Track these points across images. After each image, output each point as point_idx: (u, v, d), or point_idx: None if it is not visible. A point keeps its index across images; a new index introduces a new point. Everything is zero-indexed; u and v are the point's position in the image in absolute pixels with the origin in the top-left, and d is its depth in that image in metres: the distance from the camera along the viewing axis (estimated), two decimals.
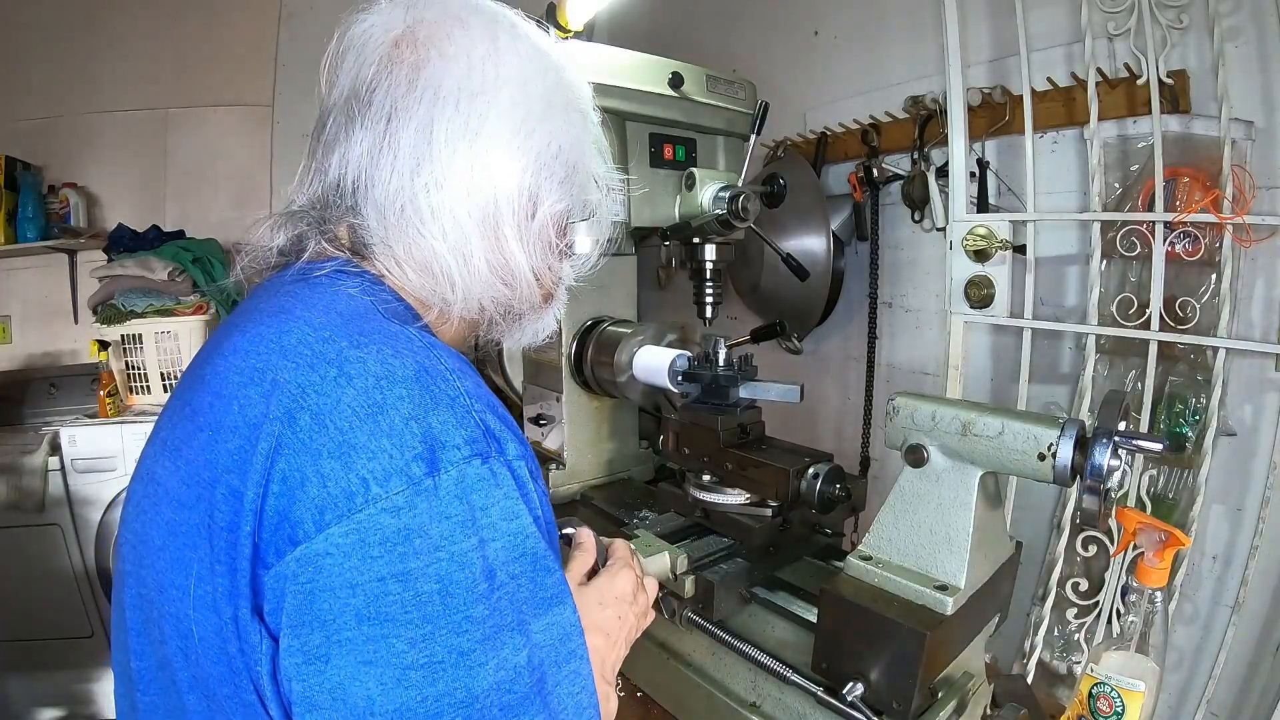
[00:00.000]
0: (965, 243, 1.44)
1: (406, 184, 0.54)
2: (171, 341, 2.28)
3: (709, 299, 1.24)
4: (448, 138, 0.54)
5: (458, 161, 0.54)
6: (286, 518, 0.41)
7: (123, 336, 2.26)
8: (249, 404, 0.44)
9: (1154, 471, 1.33)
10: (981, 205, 1.58)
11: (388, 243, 0.55)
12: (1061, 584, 1.40)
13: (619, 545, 0.71)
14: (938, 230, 1.70)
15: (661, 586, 0.90)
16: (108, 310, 2.25)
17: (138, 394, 2.30)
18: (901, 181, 1.78)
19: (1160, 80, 1.24)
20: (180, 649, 0.45)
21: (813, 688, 0.75)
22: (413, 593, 0.40)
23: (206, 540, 0.43)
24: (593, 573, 0.76)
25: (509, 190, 0.57)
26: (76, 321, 2.56)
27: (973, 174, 1.55)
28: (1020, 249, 1.45)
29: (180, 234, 2.49)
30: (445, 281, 0.56)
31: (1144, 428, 1.29)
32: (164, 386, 2.30)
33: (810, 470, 0.91)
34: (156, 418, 0.61)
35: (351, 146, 0.55)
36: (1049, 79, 1.44)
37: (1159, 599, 0.68)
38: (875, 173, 1.82)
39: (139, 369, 2.28)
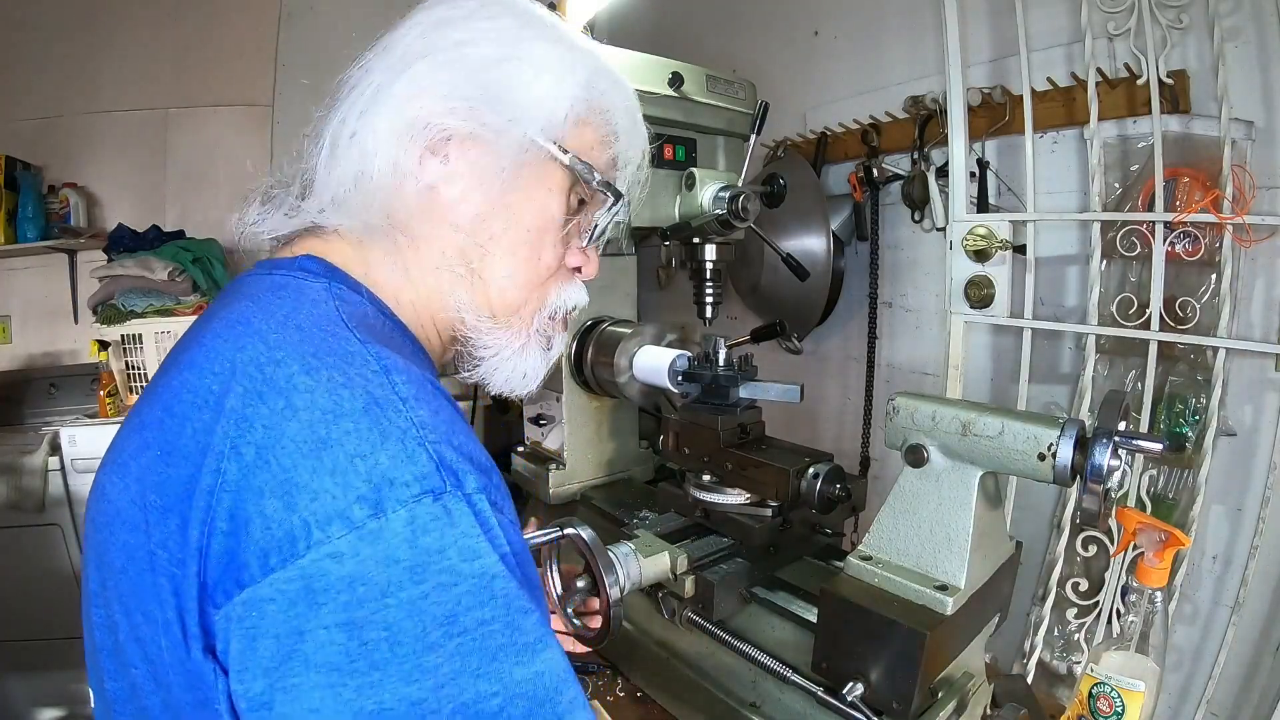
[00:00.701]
0: (965, 243, 1.44)
1: (343, 127, 0.53)
2: (171, 341, 2.26)
3: (709, 299, 1.24)
4: (382, 80, 0.53)
5: (380, 92, 0.53)
6: (234, 558, 0.39)
7: (123, 336, 2.26)
8: (200, 427, 0.42)
9: (1154, 471, 1.33)
10: (981, 205, 1.58)
11: (330, 178, 0.54)
12: (1061, 584, 1.40)
13: None
14: (938, 230, 1.70)
15: (662, 586, 0.90)
16: (108, 310, 2.25)
17: (137, 394, 2.30)
18: (901, 181, 1.78)
19: (1160, 80, 1.24)
20: (149, 674, 0.44)
21: (813, 688, 0.75)
22: (359, 641, 0.37)
23: (159, 569, 0.42)
24: (588, 572, 0.76)
25: (431, 109, 0.53)
26: (76, 321, 2.56)
27: (973, 174, 1.55)
28: (1020, 249, 1.45)
29: (180, 234, 2.49)
30: (354, 189, 0.53)
31: (1144, 428, 1.29)
32: None
33: (810, 470, 0.91)
34: None
35: (332, 118, 0.55)
36: (1049, 79, 1.44)
37: (1159, 599, 0.68)
38: (875, 173, 1.82)
39: (139, 369, 2.28)
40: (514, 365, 0.61)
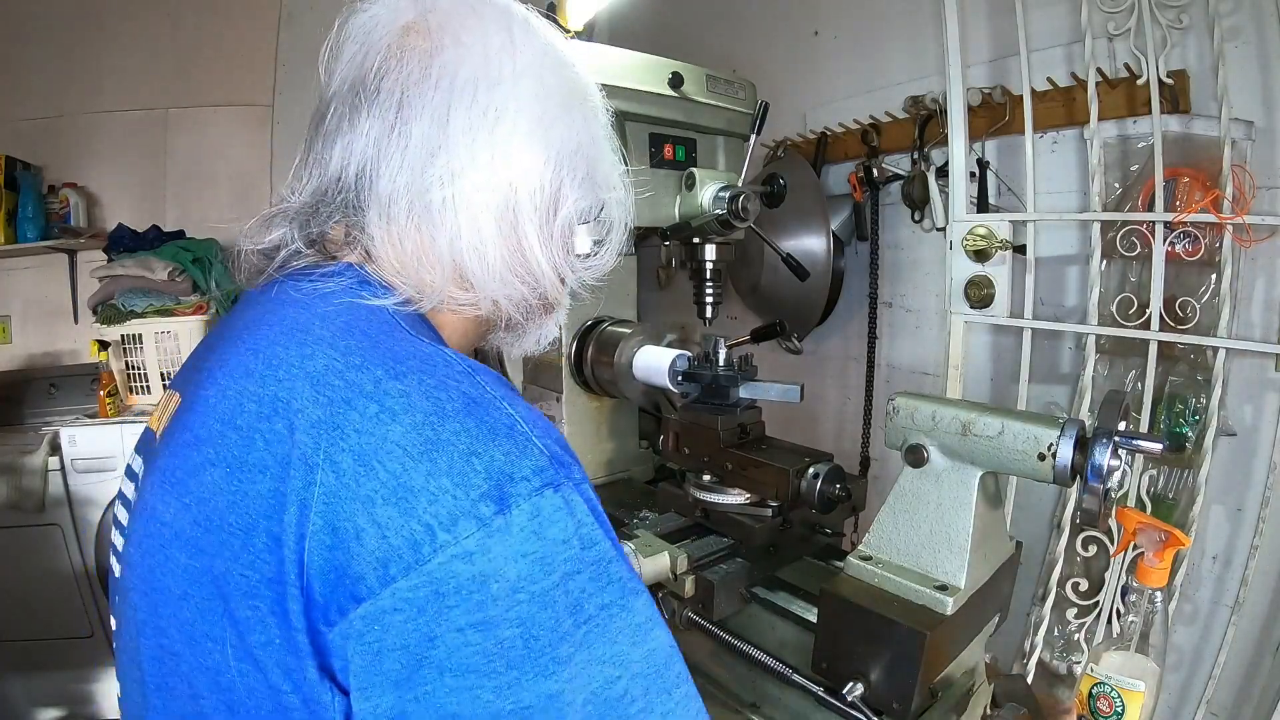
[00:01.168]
0: (965, 243, 1.44)
1: (418, 176, 0.50)
2: (171, 341, 2.28)
3: (709, 299, 1.24)
4: (466, 126, 0.50)
5: (477, 151, 0.50)
6: (345, 573, 0.37)
7: (123, 336, 2.26)
8: (274, 439, 0.40)
9: (1154, 471, 1.33)
10: (981, 205, 1.58)
11: (390, 238, 0.51)
12: (1061, 584, 1.40)
13: None
14: (938, 230, 1.70)
15: (662, 586, 0.90)
16: (108, 310, 2.25)
17: (138, 394, 2.30)
18: (901, 181, 1.78)
19: (1160, 80, 1.24)
20: (223, 703, 0.41)
21: (813, 688, 0.75)
22: (495, 640, 0.37)
23: (248, 592, 0.39)
24: None
25: (530, 185, 0.53)
26: (76, 321, 2.56)
27: (973, 174, 1.55)
28: (1020, 249, 1.45)
29: (180, 234, 2.49)
30: (457, 280, 0.52)
31: (1144, 428, 1.29)
32: (164, 386, 2.30)
33: (810, 470, 0.91)
34: (144, 431, 0.56)
35: (356, 137, 0.51)
36: (1049, 79, 1.44)
37: (1159, 599, 0.68)
38: (875, 173, 1.82)
39: (139, 369, 2.28)
40: (542, 334, 0.64)
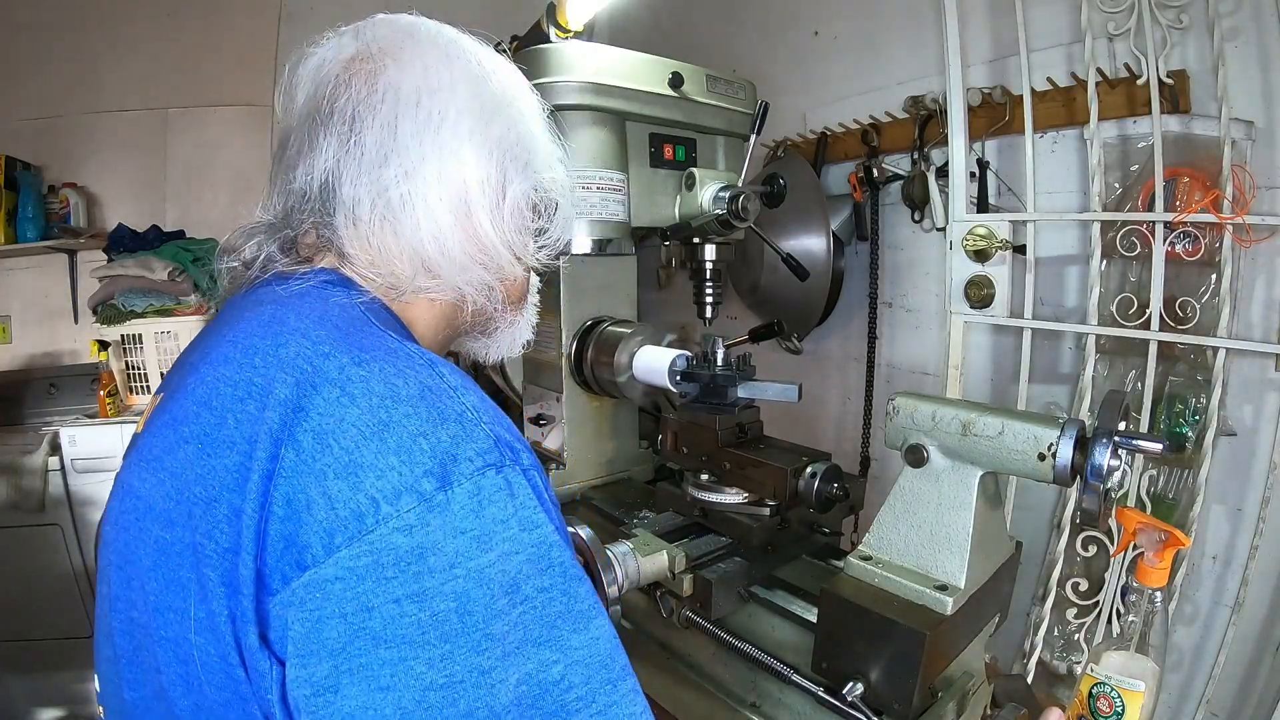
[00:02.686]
0: (965, 243, 1.45)
1: (375, 178, 0.55)
2: (171, 341, 2.28)
3: (709, 299, 1.24)
4: (414, 130, 0.55)
5: (425, 151, 0.55)
6: (293, 542, 0.39)
7: (123, 336, 2.26)
8: (245, 418, 0.43)
9: (1154, 471, 1.33)
10: (981, 205, 1.58)
11: (358, 237, 0.56)
12: (1061, 584, 1.40)
13: None
14: (938, 230, 1.70)
15: (660, 585, 0.90)
16: (108, 310, 2.25)
17: (138, 394, 2.30)
18: (901, 181, 1.78)
19: (1160, 80, 1.24)
20: (180, 675, 0.43)
21: (813, 688, 0.75)
22: (429, 612, 0.38)
23: (204, 561, 0.41)
24: (589, 570, 0.76)
25: (478, 176, 0.58)
26: (76, 321, 2.56)
27: (973, 174, 1.55)
28: (1020, 249, 1.45)
29: (180, 234, 2.49)
30: (423, 270, 0.57)
31: (1144, 428, 1.29)
32: None
33: (808, 469, 0.91)
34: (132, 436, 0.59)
35: (317, 156, 0.56)
36: (1049, 79, 1.44)
37: (1159, 599, 0.68)
38: (875, 173, 1.82)
39: (139, 369, 2.28)
40: (514, 335, 0.69)
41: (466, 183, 0.58)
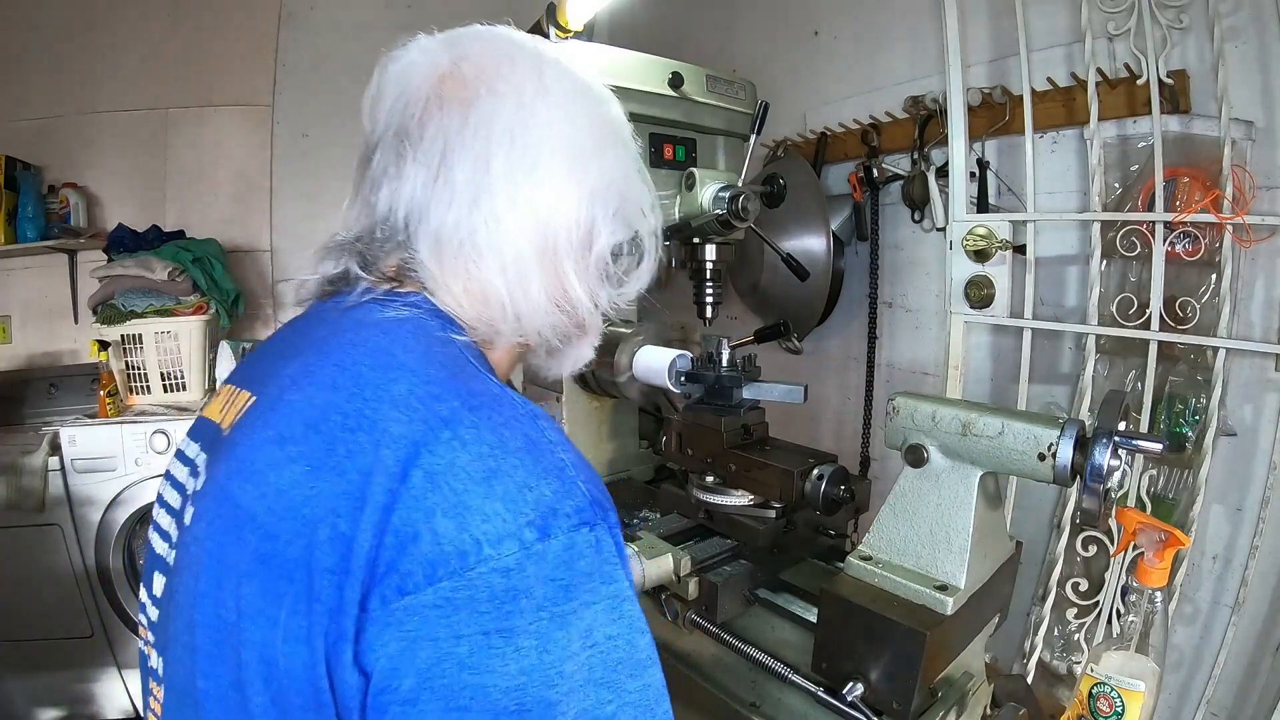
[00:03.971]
0: (965, 243, 1.45)
1: (465, 218, 0.55)
2: (171, 341, 2.28)
3: (709, 299, 1.24)
4: (506, 172, 0.55)
5: (518, 195, 0.56)
6: (394, 568, 0.42)
7: (123, 336, 2.26)
8: (358, 450, 0.45)
9: (1154, 471, 1.33)
10: (981, 205, 1.58)
11: (443, 276, 0.56)
12: (1061, 584, 1.40)
13: None
14: (938, 230, 1.70)
15: (665, 588, 0.90)
16: (108, 310, 2.25)
17: (138, 394, 2.30)
18: (901, 181, 1.78)
19: (1160, 80, 1.24)
20: (261, 674, 0.45)
21: (813, 688, 0.75)
22: (514, 647, 0.41)
23: (306, 578, 0.43)
24: None
25: (567, 223, 0.58)
26: (76, 321, 2.56)
27: (973, 174, 1.55)
28: (1020, 249, 1.45)
29: (180, 234, 2.49)
30: (504, 313, 0.57)
31: (1144, 428, 1.29)
32: (164, 386, 2.30)
33: (815, 471, 0.91)
34: (200, 416, 0.61)
35: (403, 182, 0.56)
36: (1049, 79, 1.44)
37: (1159, 599, 0.68)
38: (875, 173, 1.82)
39: (139, 369, 2.28)
40: (578, 356, 0.70)
41: (555, 228, 0.58)
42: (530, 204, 0.56)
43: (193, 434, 0.61)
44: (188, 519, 0.52)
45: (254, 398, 0.54)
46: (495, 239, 0.55)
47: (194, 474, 0.55)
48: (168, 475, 0.61)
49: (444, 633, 0.41)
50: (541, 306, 0.59)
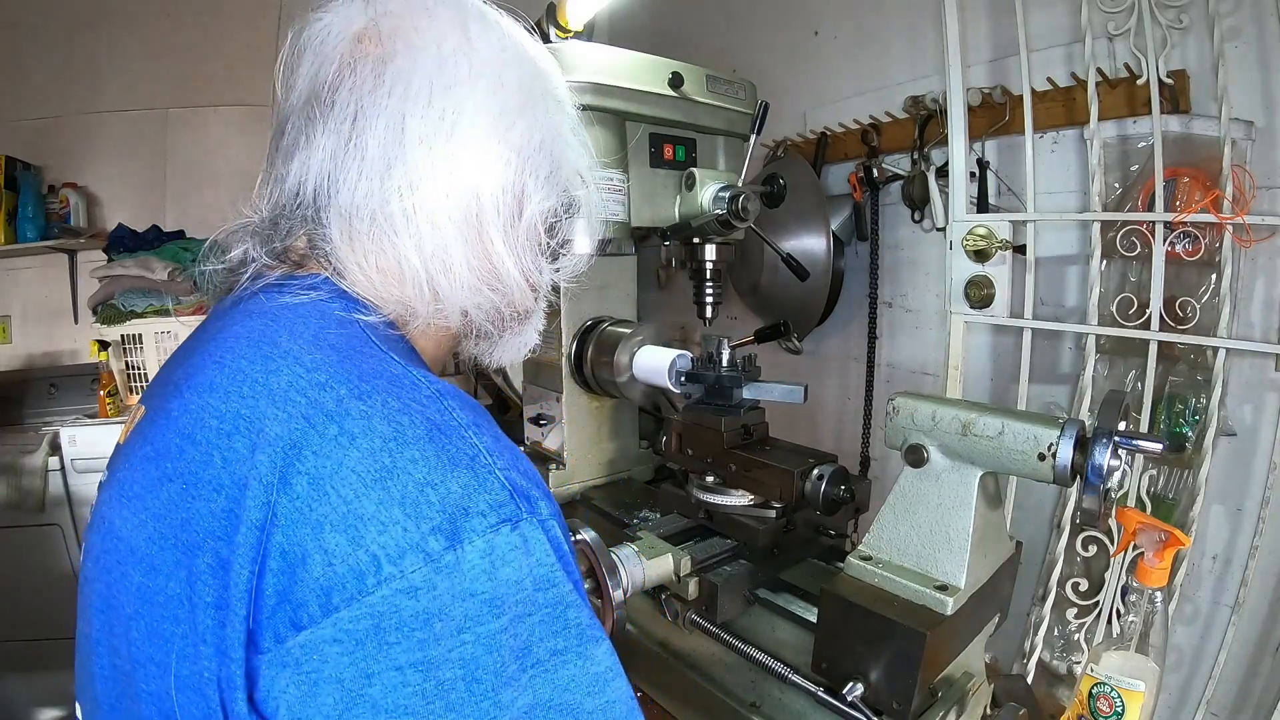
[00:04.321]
0: (965, 243, 1.44)
1: (376, 187, 0.49)
2: (171, 341, 2.28)
3: (709, 299, 1.23)
4: (422, 135, 0.49)
5: (435, 159, 0.49)
6: (287, 599, 0.36)
7: (123, 336, 2.26)
8: (233, 458, 0.39)
9: (1154, 471, 1.33)
10: (981, 205, 1.58)
11: (355, 253, 0.50)
12: (1061, 584, 1.40)
13: None
14: (938, 230, 1.70)
15: (665, 588, 0.90)
16: (108, 310, 2.25)
17: (138, 394, 2.30)
18: (901, 181, 1.78)
19: (1160, 80, 1.24)
20: None
21: (813, 688, 0.75)
22: (434, 681, 0.35)
23: (188, 615, 0.38)
24: (591, 575, 0.76)
25: (492, 188, 0.52)
26: (76, 321, 2.56)
27: (973, 174, 1.55)
28: (1020, 249, 1.45)
29: (180, 234, 2.49)
30: (424, 291, 0.51)
31: (1144, 428, 1.29)
32: None
33: (815, 471, 0.91)
34: (116, 444, 0.55)
35: (313, 151, 0.50)
36: (1049, 79, 1.44)
37: (1159, 599, 0.68)
38: (875, 173, 1.82)
39: (139, 369, 2.28)
40: (521, 343, 0.63)
41: (479, 196, 0.51)
42: (450, 169, 0.50)
43: (109, 460, 0.55)
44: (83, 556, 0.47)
45: (145, 411, 0.49)
46: (410, 209, 0.49)
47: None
48: (93, 507, 0.55)
49: (350, 672, 0.35)
50: (466, 283, 0.52)
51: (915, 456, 0.74)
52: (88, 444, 2.04)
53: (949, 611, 0.68)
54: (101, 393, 2.18)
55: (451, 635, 0.36)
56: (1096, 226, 1.34)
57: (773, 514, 0.97)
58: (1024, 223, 1.45)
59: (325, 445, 0.38)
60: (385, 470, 0.38)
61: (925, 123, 1.68)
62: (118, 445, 0.54)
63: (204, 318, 0.57)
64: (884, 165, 1.82)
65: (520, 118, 0.53)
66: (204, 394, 0.43)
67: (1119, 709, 0.67)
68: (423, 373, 0.45)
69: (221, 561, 0.37)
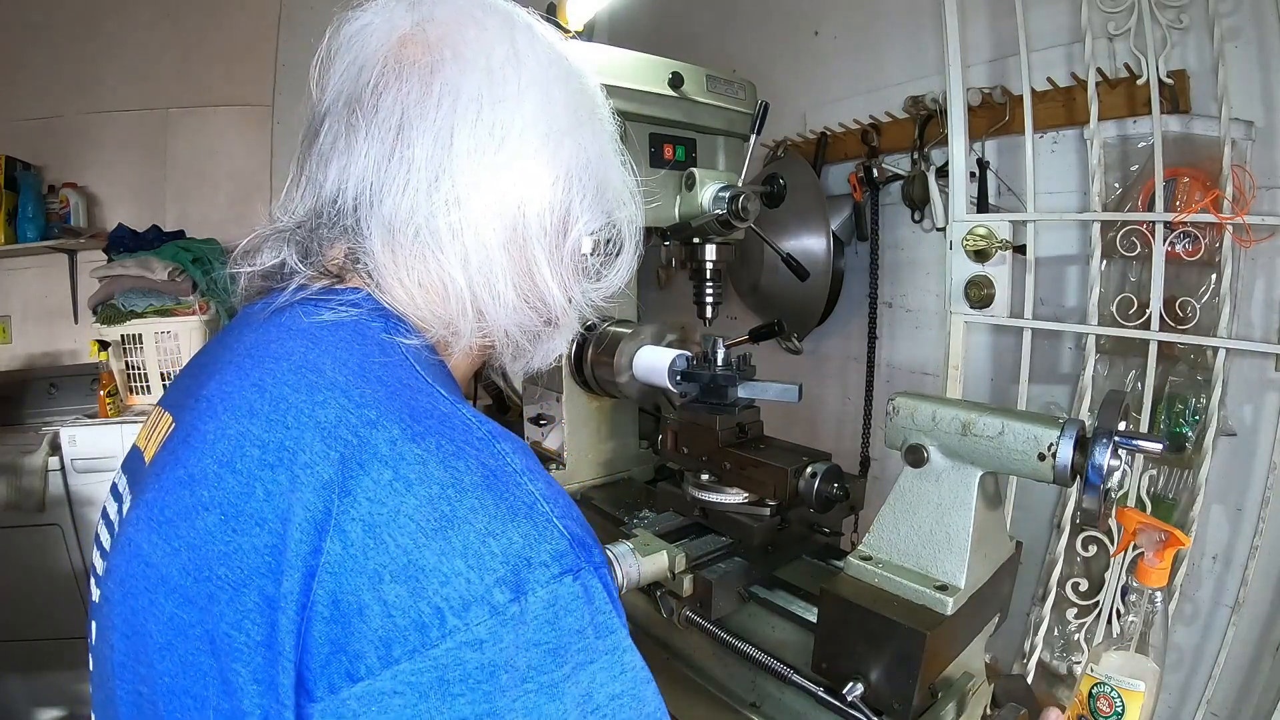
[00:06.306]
0: (965, 243, 1.44)
1: (423, 200, 0.47)
2: (171, 341, 2.28)
3: (709, 299, 1.23)
4: (471, 147, 0.48)
5: (482, 174, 0.48)
6: (342, 649, 0.35)
7: (123, 336, 2.26)
8: (276, 490, 0.38)
9: (1154, 471, 1.33)
10: (981, 205, 1.58)
11: (397, 267, 0.49)
12: (1061, 584, 1.40)
13: None
14: (938, 230, 1.70)
15: (660, 585, 0.90)
16: (108, 310, 2.25)
17: (138, 394, 2.30)
18: (901, 181, 1.78)
19: (1160, 80, 1.24)
20: None
21: (813, 688, 0.75)
22: None
23: (231, 654, 0.37)
24: None
25: (539, 207, 0.51)
26: (76, 321, 2.56)
27: (973, 174, 1.55)
28: (1020, 249, 1.45)
29: (180, 234, 2.49)
30: (467, 310, 0.50)
31: (1144, 428, 1.29)
32: (164, 386, 2.30)
33: (809, 469, 0.91)
34: (131, 449, 0.53)
35: (354, 158, 0.48)
36: (1049, 79, 1.44)
37: (1159, 599, 0.68)
38: (875, 173, 1.82)
39: (139, 369, 2.28)
40: (548, 352, 0.62)
41: (525, 214, 0.50)
42: (498, 186, 0.49)
43: (124, 464, 0.53)
44: (101, 570, 0.46)
45: (174, 424, 0.47)
46: (457, 225, 0.48)
47: (121, 512, 0.48)
48: (103, 513, 0.53)
49: None
50: (509, 302, 0.51)
51: (915, 456, 0.74)
52: (88, 444, 2.04)
53: (949, 611, 0.68)
54: (101, 393, 2.18)
55: (516, 685, 0.36)
56: (1096, 226, 1.34)
57: (767, 512, 0.97)
58: (1024, 223, 1.45)
59: (380, 491, 0.37)
60: (445, 519, 0.37)
61: (925, 123, 1.68)
62: (136, 450, 0.52)
63: (207, 317, 0.54)
64: (884, 165, 1.82)
65: (568, 136, 0.53)
66: (244, 419, 0.41)
67: (1119, 709, 0.67)
68: (472, 411, 0.44)
69: (268, 600, 0.36)
